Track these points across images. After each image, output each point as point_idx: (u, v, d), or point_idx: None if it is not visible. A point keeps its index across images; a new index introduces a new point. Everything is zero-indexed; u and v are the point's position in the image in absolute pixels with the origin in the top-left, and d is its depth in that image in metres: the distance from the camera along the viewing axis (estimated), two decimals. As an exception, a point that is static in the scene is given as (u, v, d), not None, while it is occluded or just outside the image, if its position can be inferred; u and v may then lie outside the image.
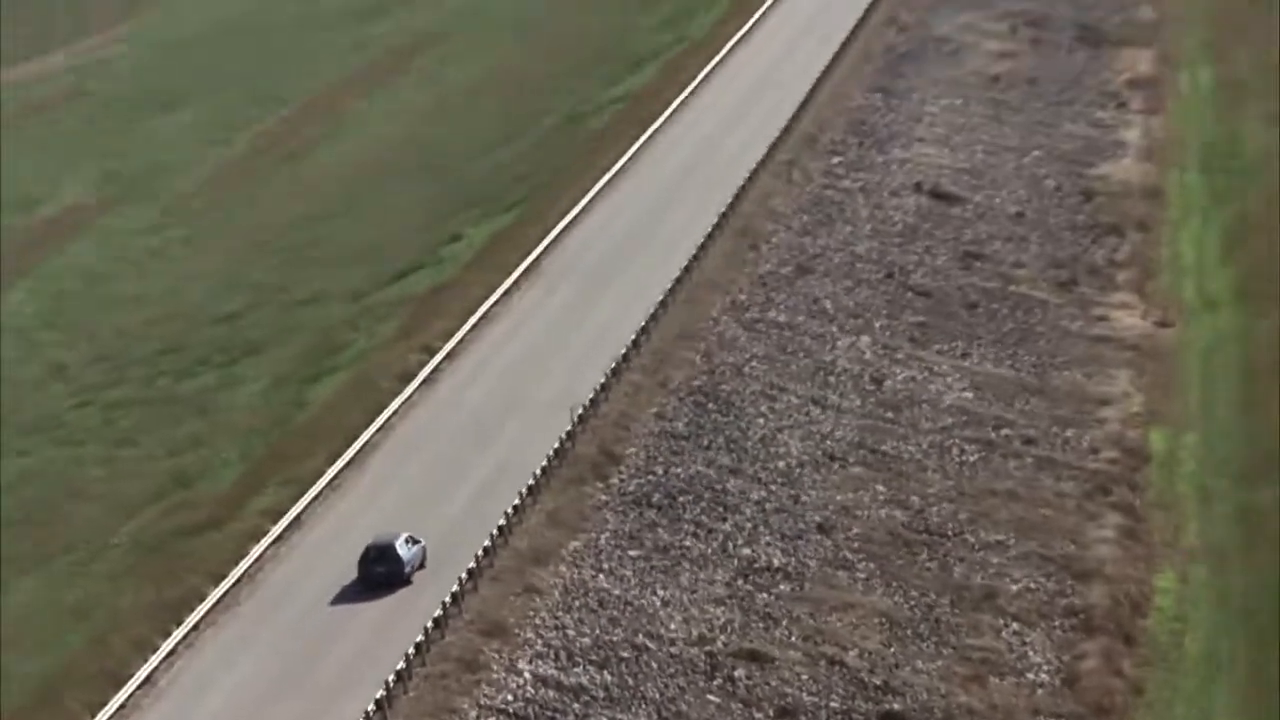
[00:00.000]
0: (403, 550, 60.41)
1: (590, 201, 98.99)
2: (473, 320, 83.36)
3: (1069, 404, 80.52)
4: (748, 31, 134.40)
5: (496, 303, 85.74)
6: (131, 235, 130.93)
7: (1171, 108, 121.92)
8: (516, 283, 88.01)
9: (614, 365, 75.59)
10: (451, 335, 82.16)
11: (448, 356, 79.95)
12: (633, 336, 78.85)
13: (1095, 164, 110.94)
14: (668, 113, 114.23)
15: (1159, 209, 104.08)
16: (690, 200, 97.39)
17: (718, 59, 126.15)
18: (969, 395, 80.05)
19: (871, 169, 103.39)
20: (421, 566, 61.10)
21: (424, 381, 77.45)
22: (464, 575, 58.53)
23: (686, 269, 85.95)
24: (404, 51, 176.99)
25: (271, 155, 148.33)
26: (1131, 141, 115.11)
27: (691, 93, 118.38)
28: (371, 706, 51.82)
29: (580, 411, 71.15)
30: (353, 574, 60.71)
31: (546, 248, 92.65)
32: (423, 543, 61.58)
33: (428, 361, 79.48)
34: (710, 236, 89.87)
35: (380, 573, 60.18)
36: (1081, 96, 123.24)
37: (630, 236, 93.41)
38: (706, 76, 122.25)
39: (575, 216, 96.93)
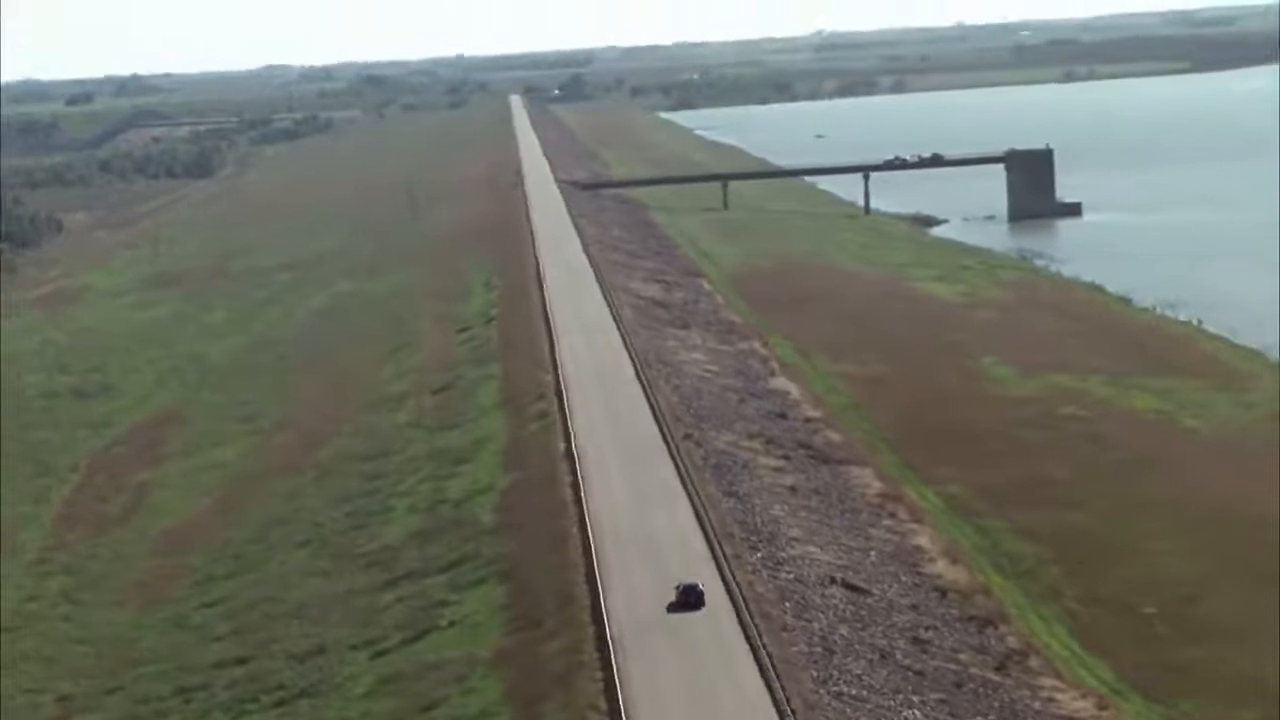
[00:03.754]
0: (702, 587, 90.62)
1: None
2: (613, 678, 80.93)
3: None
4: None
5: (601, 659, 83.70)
6: (14, 588, 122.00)
7: (927, 519, 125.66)
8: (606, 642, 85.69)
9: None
10: (604, 698, 79.70)
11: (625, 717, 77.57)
12: (773, 707, 78.08)
13: (920, 565, 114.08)
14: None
15: (1001, 606, 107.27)
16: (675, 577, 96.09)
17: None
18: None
19: (786, 564, 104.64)
20: None
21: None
22: None
23: (753, 643, 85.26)
24: (148, 427, 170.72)
25: (94, 516, 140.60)
26: (927, 548, 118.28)
27: (587, 487, 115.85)
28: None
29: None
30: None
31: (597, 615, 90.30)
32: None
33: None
34: (742, 626, 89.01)
35: (691, 601, 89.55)
36: (857, 508, 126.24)
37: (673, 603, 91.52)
38: (587, 492, 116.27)
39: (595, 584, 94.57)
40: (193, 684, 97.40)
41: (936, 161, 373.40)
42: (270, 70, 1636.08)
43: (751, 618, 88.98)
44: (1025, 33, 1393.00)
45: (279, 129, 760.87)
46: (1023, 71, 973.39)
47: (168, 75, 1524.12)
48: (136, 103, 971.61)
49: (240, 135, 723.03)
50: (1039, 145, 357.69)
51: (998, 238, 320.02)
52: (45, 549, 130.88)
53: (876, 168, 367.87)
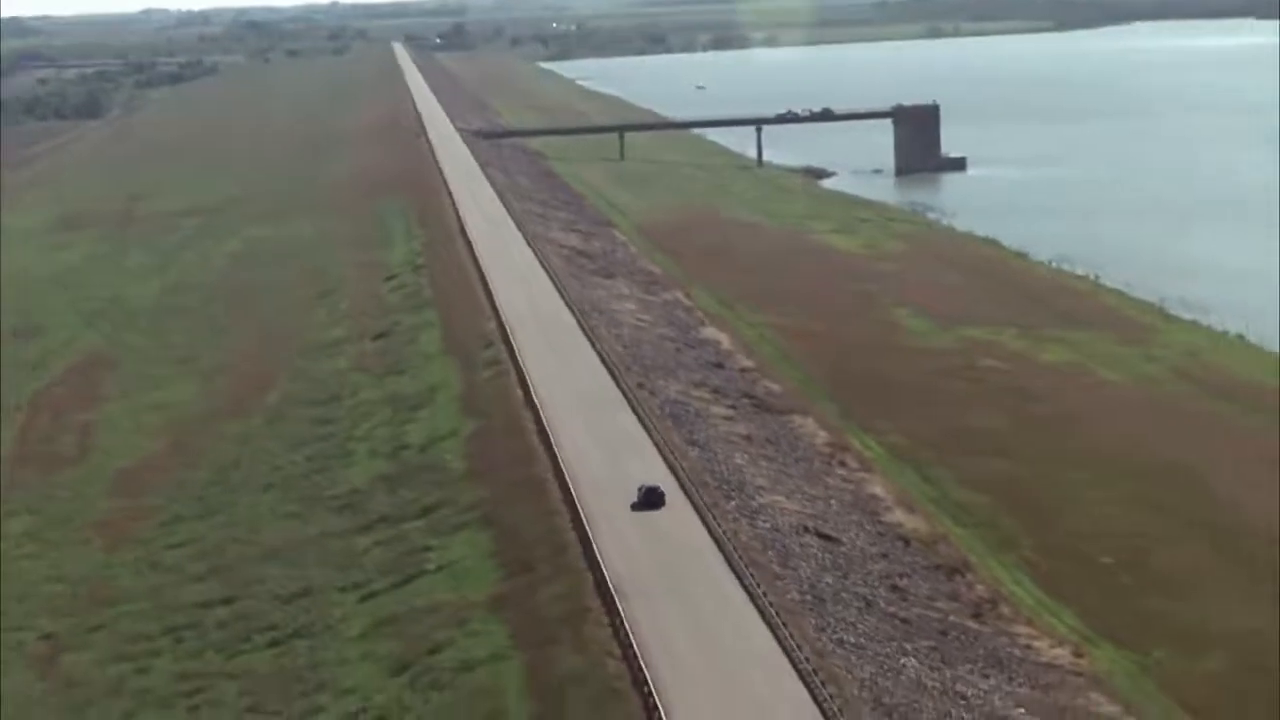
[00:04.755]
0: (663, 488, 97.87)
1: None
2: (619, 625, 79.67)
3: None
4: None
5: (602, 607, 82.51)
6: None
7: (876, 468, 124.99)
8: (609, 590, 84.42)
9: (807, 674, 74.25)
10: (616, 643, 78.39)
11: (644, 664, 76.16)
12: (785, 656, 77.26)
13: (880, 513, 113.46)
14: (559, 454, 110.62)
15: (963, 555, 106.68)
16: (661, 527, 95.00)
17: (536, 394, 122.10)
18: (1021, 710, 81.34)
19: (760, 513, 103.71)
20: None
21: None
22: None
23: (752, 593, 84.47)
24: (82, 368, 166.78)
25: (46, 456, 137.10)
26: (883, 496, 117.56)
27: (554, 434, 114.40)
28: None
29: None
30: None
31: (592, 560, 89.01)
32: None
33: (622, 669, 75.87)
34: (737, 576, 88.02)
35: (653, 500, 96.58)
36: (809, 456, 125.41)
37: (665, 560, 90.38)
38: (556, 440, 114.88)
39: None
40: (179, 623, 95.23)
41: (827, 115, 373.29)
42: (148, 14, 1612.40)
43: (746, 567, 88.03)
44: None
45: (164, 73, 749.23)
46: (888, 27, 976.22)
47: (46, 17, 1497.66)
48: (19, 45, 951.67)
49: (125, 79, 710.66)
50: (925, 100, 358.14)
51: (886, 191, 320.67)
52: (4, 487, 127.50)
53: (769, 121, 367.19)
